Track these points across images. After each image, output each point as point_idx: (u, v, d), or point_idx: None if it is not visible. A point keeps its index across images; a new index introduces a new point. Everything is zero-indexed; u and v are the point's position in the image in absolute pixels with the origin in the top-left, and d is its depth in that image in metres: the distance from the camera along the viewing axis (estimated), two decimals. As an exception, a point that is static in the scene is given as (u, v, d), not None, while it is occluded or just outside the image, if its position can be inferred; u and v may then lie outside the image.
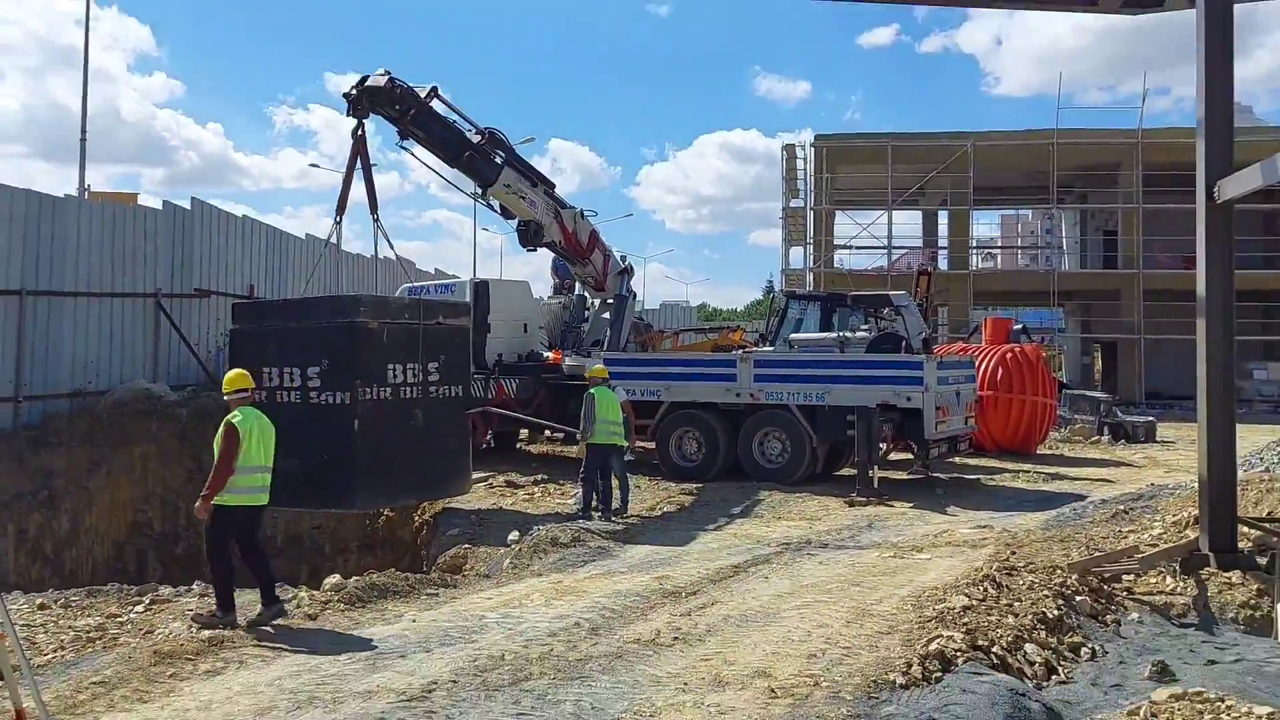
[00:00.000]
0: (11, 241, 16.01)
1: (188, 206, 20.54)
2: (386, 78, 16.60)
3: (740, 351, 18.42)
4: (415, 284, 21.98)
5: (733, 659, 7.30)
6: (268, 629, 8.45)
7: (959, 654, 7.07)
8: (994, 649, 7.32)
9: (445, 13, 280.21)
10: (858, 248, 44.26)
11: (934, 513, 14.41)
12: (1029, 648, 7.60)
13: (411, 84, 16.92)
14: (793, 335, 19.09)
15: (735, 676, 6.90)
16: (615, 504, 14.07)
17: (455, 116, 17.67)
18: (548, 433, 21.44)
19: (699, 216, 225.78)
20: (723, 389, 17.10)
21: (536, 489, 15.81)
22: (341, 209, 16.36)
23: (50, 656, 7.84)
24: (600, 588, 9.80)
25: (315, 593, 9.76)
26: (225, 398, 9.10)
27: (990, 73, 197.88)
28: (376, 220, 16.18)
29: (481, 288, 20.10)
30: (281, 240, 24.27)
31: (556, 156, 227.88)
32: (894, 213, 42.18)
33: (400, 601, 9.60)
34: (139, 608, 9.55)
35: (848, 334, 18.16)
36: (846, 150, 41.38)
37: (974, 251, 43.95)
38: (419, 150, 17.58)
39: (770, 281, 41.10)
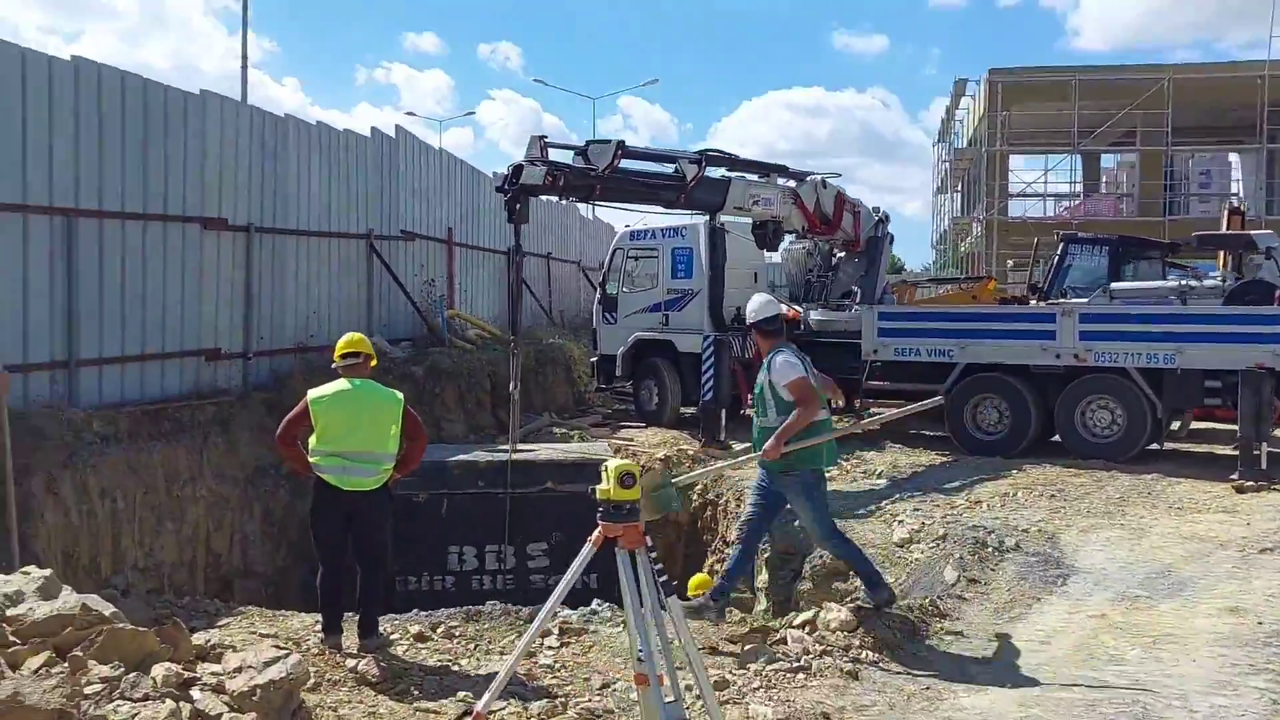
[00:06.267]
0: (239, 172, 13.71)
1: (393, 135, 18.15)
2: (545, 169, 13.13)
3: (1061, 303, 15.76)
4: (639, 228, 19.41)
5: None
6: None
7: None
8: None
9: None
10: (1032, 195, 41.00)
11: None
12: None
13: (586, 144, 13.90)
14: (1115, 285, 16.28)
15: None
16: None
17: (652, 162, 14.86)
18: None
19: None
20: (1037, 348, 14.45)
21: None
22: (516, 329, 13.86)
23: None
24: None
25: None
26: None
27: (1072, 27, 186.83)
28: (515, 349, 13.68)
29: (718, 235, 16.56)
30: (477, 181, 22.01)
31: (629, 113, 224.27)
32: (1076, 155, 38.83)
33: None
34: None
35: (1192, 281, 15.34)
36: (1025, 86, 37.73)
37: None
38: None
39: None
